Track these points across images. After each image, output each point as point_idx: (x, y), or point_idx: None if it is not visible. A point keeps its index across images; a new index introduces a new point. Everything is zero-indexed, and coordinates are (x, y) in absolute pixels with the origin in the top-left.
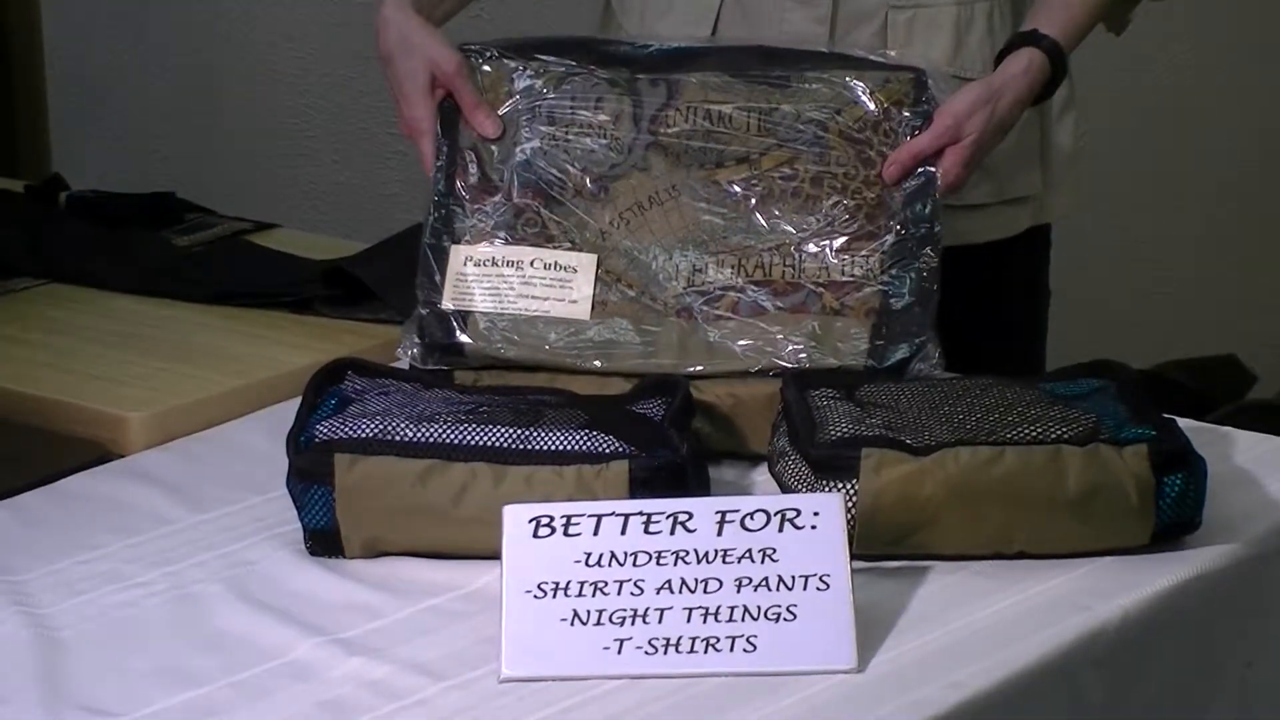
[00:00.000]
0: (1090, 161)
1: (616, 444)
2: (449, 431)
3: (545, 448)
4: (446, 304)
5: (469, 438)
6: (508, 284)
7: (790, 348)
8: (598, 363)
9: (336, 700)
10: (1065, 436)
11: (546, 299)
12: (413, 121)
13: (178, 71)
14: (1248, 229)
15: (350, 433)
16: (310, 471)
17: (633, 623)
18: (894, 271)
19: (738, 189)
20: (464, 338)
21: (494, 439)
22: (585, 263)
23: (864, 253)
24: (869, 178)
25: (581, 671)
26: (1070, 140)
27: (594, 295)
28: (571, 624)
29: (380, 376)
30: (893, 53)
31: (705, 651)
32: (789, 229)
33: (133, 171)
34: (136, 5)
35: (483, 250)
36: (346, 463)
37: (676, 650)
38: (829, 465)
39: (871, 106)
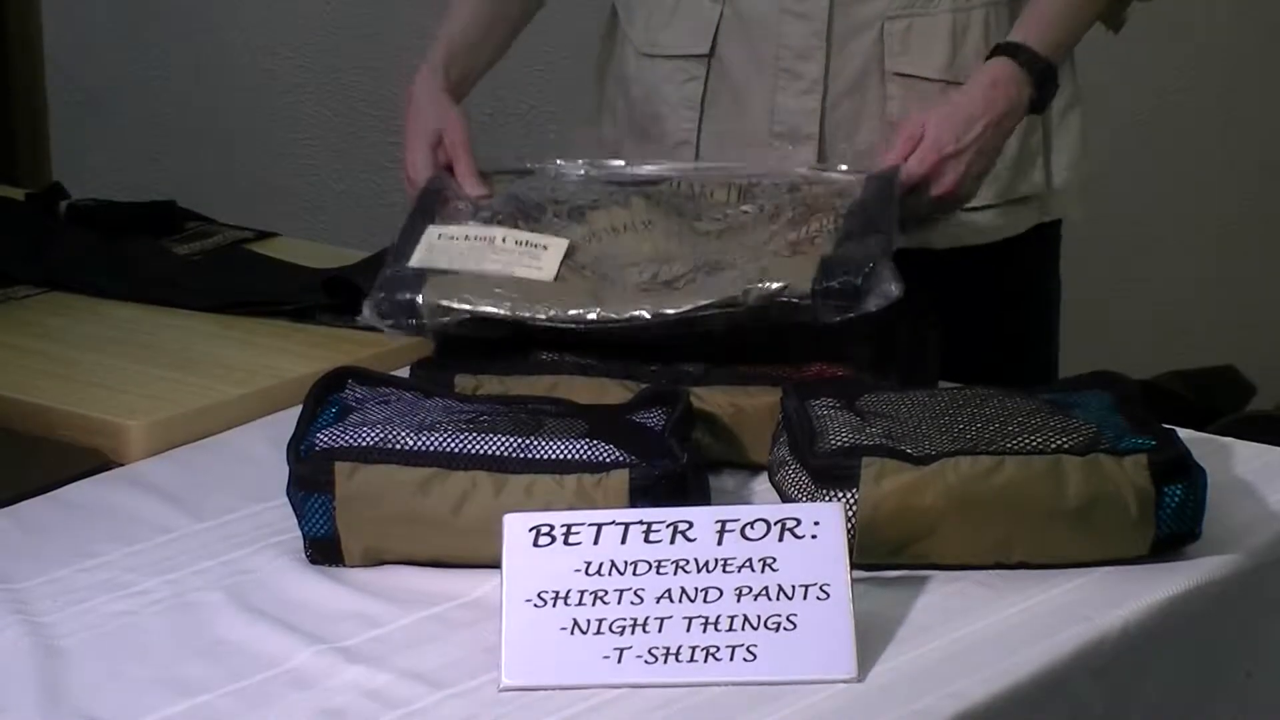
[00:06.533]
0: (1092, 167)
1: (617, 453)
2: (449, 440)
3: (545, 457)
4: (413, 263)
5: (469, 446)
6: (476, 252)
7: (743, 282)
8: (551, 311)
9: (336, 709)
10: (1065, 446)
11: (512, 266)
12: (410, 166)
13: (178, 80)
14: (1247, 240)
15: (351, 441)
16: (311, 480)
17: (633, 632)
18: (849, 229)
19: (710, 227)
20: (421, 293)
21: (494, 448)
22: (556, 243)
23: (821, 231)
24: (833, 215)
25: (581, 680)
26: (1075, 139)
27: (559, 272)
28: (571, 633)
29: (381, 385)
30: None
31: (705, 661)
32: (753, 240)
33: (133, 180)
34: (136, 14)
35: (455, 229)
36: (347, 471)
37: (676, 659)
38: (829, 475)
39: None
